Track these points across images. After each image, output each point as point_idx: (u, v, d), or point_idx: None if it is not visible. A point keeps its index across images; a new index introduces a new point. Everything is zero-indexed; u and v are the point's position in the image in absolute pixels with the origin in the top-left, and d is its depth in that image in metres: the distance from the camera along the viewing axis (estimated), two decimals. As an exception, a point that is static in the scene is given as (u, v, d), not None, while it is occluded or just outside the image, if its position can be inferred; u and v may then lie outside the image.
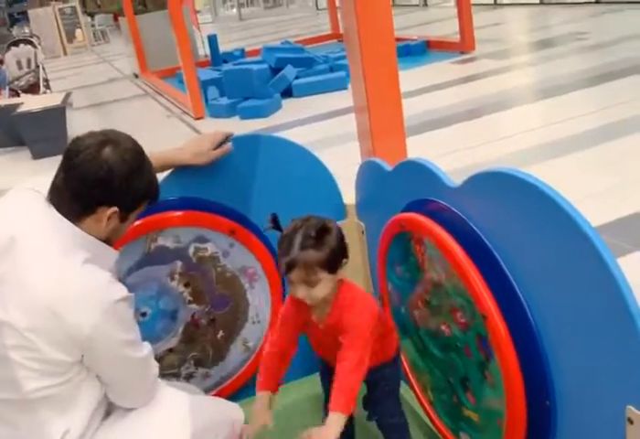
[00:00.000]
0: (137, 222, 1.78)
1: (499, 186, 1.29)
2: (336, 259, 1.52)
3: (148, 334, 1.93)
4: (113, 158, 1.40)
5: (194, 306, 2.03)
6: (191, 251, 1.99)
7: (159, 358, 1.91)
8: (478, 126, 5.35)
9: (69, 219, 1.42)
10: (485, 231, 1.37)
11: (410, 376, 1.90)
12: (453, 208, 1.45)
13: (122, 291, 1.42)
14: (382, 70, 2.07)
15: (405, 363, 1.90)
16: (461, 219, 1.42)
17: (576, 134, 4.68)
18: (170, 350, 2.02)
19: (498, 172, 1.28)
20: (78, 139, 1.44)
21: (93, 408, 1.46)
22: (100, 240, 1.46)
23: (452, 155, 4.65)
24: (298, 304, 1.61)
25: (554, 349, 1.27)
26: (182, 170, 1.87)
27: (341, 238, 1.55)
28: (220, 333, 2.09)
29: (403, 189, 1.67)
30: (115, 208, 1.43)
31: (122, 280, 1.85)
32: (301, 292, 1.52)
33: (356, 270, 2.14)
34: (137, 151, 1.47)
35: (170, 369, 2.03)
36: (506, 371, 1.34)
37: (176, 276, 2.00)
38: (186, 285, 2.02)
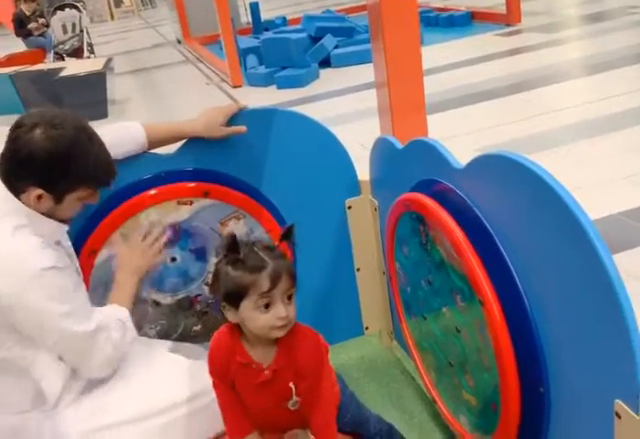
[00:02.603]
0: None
1: (500, 169, 1.26)
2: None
3: (160, 278, 1.97)
4: (37, 142, 1.39)
5: (205, 289, 2.03)
6: None
7: (143, 301, 1.94)
8: (519, 101, 5.23)
9: (10, 191, 1.44)
10: (486, 215, 1.34)
11: (415, 355, 1.90)
12: (457, 190, 1.42)
13: (51, 259, 1.41)
14: (404, 45, 2.04)
15: (410, 343, 1.90)
16: (464, 201, 1.40)
17: (619, 112, 4.54)
18: (157, 304, 1.99)
19: (499, 155, 1.24)
20: (25, 115, 1.45)
21: (61, 368, 1.50)
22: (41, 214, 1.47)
23: (490, 129, 4.58)
24: (227, 355, 1.45)
25: (549, 338, 1.25)
26: (195, 142, 1.87)
27: None
28: (197, 328, 2.06)
29: (413, 168, 1.65)
30: (41, 191, 1.43)
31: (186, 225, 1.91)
32: (283, 310, 1.34)
33: (369, 247, 2.14)
34: (71, 138, 1.42)
35: (137, 316, 1.94)
36: (501, 357, 1.33)
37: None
38: None
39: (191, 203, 1.91)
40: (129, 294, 1.75)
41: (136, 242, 1.84)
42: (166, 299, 2.00)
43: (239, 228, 1.99)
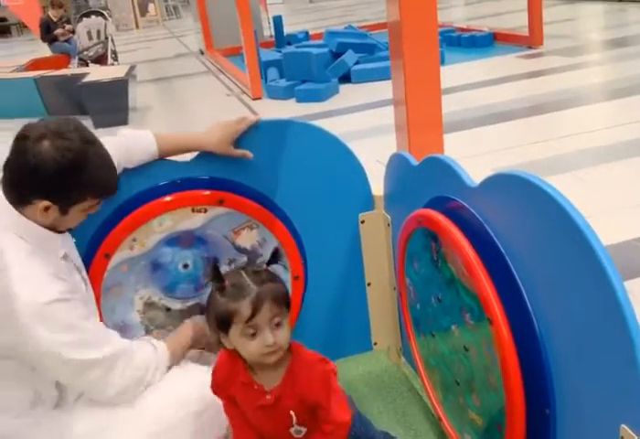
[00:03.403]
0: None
1: (513, 189, 1.26)
2: (289, 296, 1.39)
3: (171, 284, 1.98)
4: (45, 154, 1.38)
5: None
6: (261, 260, 2.02)
7: (151, 304, 1.96)
8: (536, 124, 5.22)
9: (13, 205, 1.44)
10: (498, 234, 1.34)
11: (422, 373, 1.89)
12: (471, 208, 1.43)
13: (55, 293, 1.40)
14: (423, 63, 2.05)
15: (418, 360, 1.90)
16: (477, 219, 1.40)
17: (638, 139, 4.52)
18: (167, 309, 2.00)
19: (513, 175, 1.25)
20: (29, 126, 1.44)
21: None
22: (44, 226, 1.47)
23: (507, 151, 4.58)
24: (230, 373, 1.46)
25: (557, 360, 1.24)
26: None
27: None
28: None
29: (427, 185, 1.66)
30: (48, 203, 1.42)
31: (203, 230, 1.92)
32: (270, 337, 1.33)
33: (381, 262, 2.14)
34: (78, 149, 1.41)
35: (147, 321, 1.99)
36: (508, 377, 1.32)
37: (232, 265, 2.01)
38: None
39: (205, 211, 1.92)
40: (182, 342, 1.71)
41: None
42: (177, 305, 2.01)
43: (252, 237, 2.00)
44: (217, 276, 1.36)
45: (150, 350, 1.60)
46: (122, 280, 1.91)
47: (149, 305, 1.97)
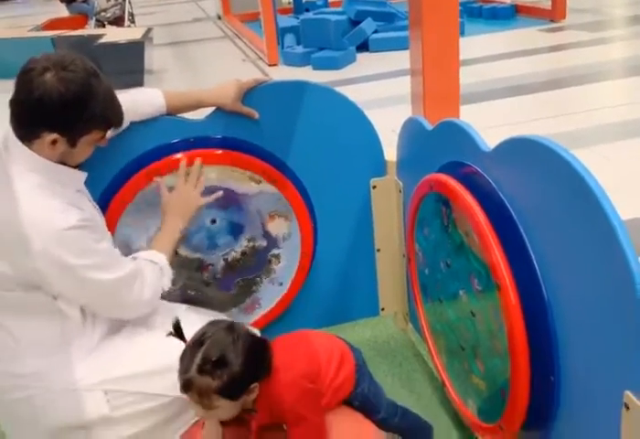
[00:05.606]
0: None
1: (528, 153, 1.24)
2: (238, 386, 1.36)
3: (194, 229, 1.94)
4: (48, 85, 1.38)
5: (221, 263, 2.03)
6: (275, 251, 2.05)
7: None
8: (554, 98, 5.15)
9: (22, 141, 1.44)
10: (511, 199, 1.33)
11: (428, 338, 1.90)
12: (484, 173, 1.41)
13: (71, 220, 1.43)
14: (442, 34, 2.03)
15: (425, 325, 1.90)
16: (489, 184, 1.39)
17: (656, 116, 4.46)
18: (175, 253, 1.92)
19: (528, 139, 1.23)
20: (32, 59, 1.43)
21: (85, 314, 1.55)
22: (54, 161, 1.47)
23: (524, 124, 4.53)
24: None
25: (563, 326, 1.24)
26: (225, 110, 1.87)
27: (251, 358, 1.37)
28: (192, 293, 2.05)
29: (440, 150, 1.64)
30: (56, 135, 1.42)
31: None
32: (199, 412, 1.39)
33: (390, 229, 2.14)
34: (82, 81, 1.41)
35: None
36: (514, 343, 1.32)
37: (251, 243, 2.02)
38: (243, 254, 2.03)
39: (259, 182, 1.92)
40: (172, 239, 1.76)
41: (180, 187, 1.82)
42: (185, 252, 1.97)
43: (282, 227, 2.01)
44: (179, 335, 1.40)
45: (151, 265, 1.66)
46: (144, 208, 1.88)
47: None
